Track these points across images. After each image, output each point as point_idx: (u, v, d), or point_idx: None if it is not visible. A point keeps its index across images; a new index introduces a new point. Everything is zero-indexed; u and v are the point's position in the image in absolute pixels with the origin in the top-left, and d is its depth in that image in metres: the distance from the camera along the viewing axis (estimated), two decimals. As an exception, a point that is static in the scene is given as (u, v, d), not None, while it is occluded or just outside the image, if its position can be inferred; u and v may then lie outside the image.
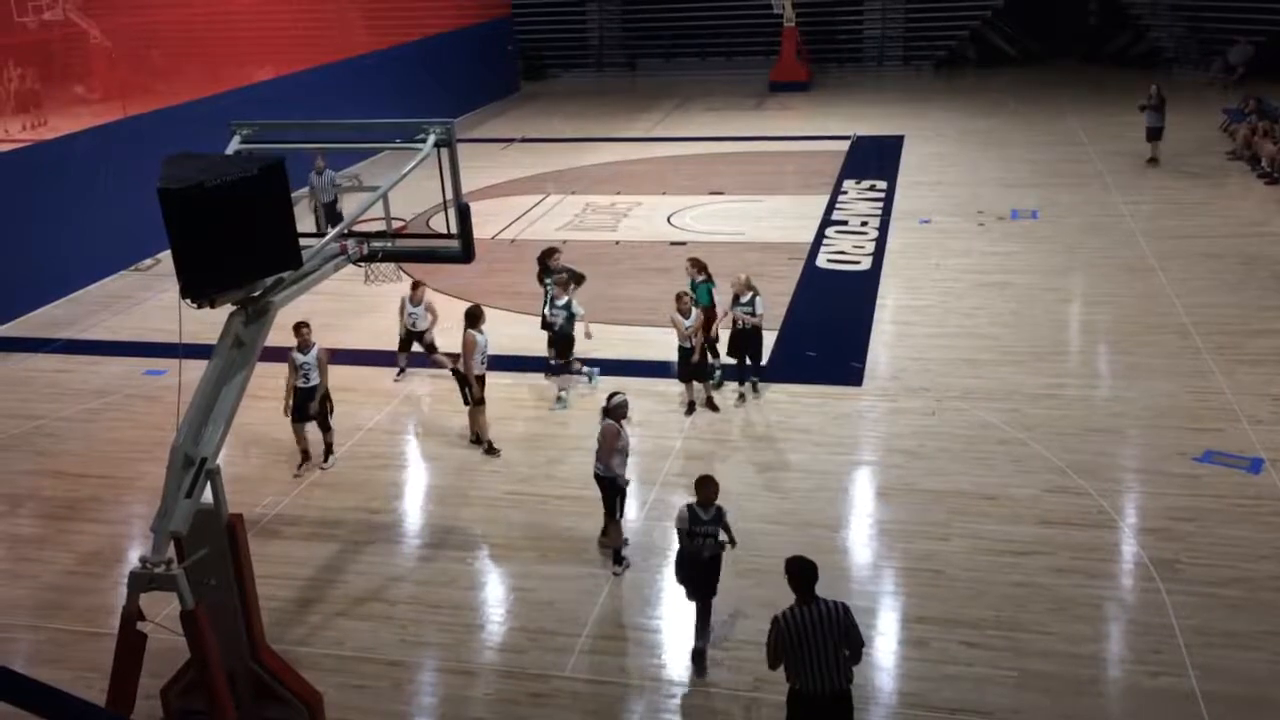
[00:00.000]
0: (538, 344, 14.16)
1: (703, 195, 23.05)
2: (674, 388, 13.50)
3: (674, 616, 9.39)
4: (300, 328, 11.85)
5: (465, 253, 9.10)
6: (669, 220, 21.27)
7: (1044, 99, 31.46)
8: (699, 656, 8.74)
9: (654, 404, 13.16)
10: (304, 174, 17.85)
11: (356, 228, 8.89)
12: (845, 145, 27.08)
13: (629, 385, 13.79)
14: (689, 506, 8.75)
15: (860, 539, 10.45)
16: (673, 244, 19.62)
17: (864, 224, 20.41)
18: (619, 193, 23.53)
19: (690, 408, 13.06)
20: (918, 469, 11.55)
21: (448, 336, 13.84)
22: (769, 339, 14.77)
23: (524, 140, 29.48)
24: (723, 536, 8.79)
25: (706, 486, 8.71)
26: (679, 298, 12.78)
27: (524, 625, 9.42)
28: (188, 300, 6.94)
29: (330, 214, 18.49)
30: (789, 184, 24.34)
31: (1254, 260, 17.24)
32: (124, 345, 16.07)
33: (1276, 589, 9.33)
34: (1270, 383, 13.05)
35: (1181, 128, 24.91)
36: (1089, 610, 9.21)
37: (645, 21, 40.94)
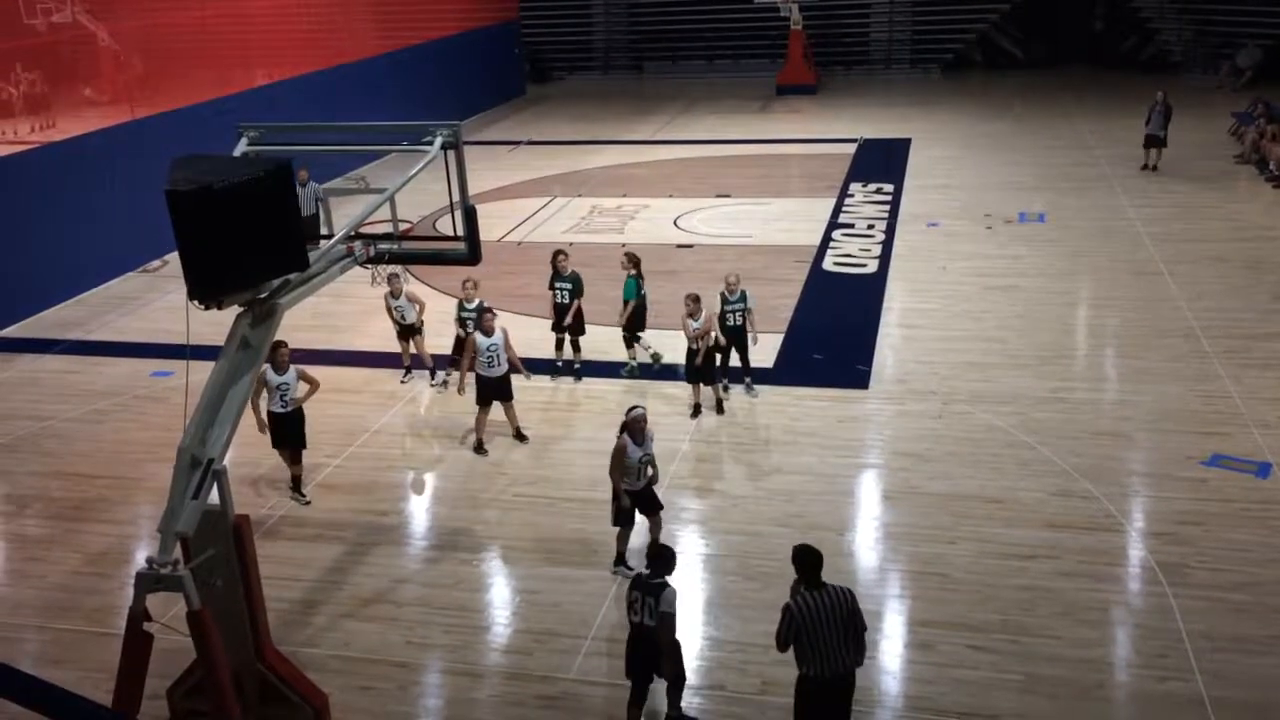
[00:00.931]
0: (544, 346, 14.19)
1: (709, 198, 23.05)
2: (681, 390, 13.51)
3: (679, 618, 9.38)
4: (279, 346, 10.90)
5: (472, 255, 9.10)
6: (675, 223, 21.27)
7: (1051, 102, 31.44)
8: None
9: (661, 406, 13.15)
10: (312, 176, 17.87)
11: (364, 229, 8.91)
12: (852, 148, 27.08)
13: (635, 387, 13.88)
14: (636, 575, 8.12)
15: (866, 542, 10.43)
16: (679, 246, 19.63)
17: (870, 227, 20.40)
18: (626, 195, 23.54)
19: (696, 410, 13.07)
20: (924, 472, 11.53)
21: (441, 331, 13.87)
22: (774, 341, 14.80)
23: (531, 143, 29.51)
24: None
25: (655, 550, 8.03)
26: (687, 300, 12.79)
27: (530, 627, 9.42)
28: (195, 302, 6.95)
29: (309, 227, 18.27)
30: (796, 187, 24.35)
31: (1262, 264, 17.20)
32: (131, 346, 16.11)
33: (1284, 593, 9.31)
34: (1278, 386, 13.01)
35: (1189, 131, 24.87)
36: (1096, 614, 9.18)
37: (652, 24, 40.98)
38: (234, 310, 7.39)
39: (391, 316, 13.94)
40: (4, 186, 17.17)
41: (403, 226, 9.72)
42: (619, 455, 9.64)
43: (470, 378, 12.34)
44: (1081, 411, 12.68)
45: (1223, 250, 17.94)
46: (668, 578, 7.77)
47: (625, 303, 13.92)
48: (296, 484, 11.58)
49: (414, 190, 8.81)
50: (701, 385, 13.10)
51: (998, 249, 18.76)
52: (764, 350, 13.99)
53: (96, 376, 15.15)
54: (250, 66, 24.81)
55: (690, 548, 10.30)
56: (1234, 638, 8.80)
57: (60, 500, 11.94)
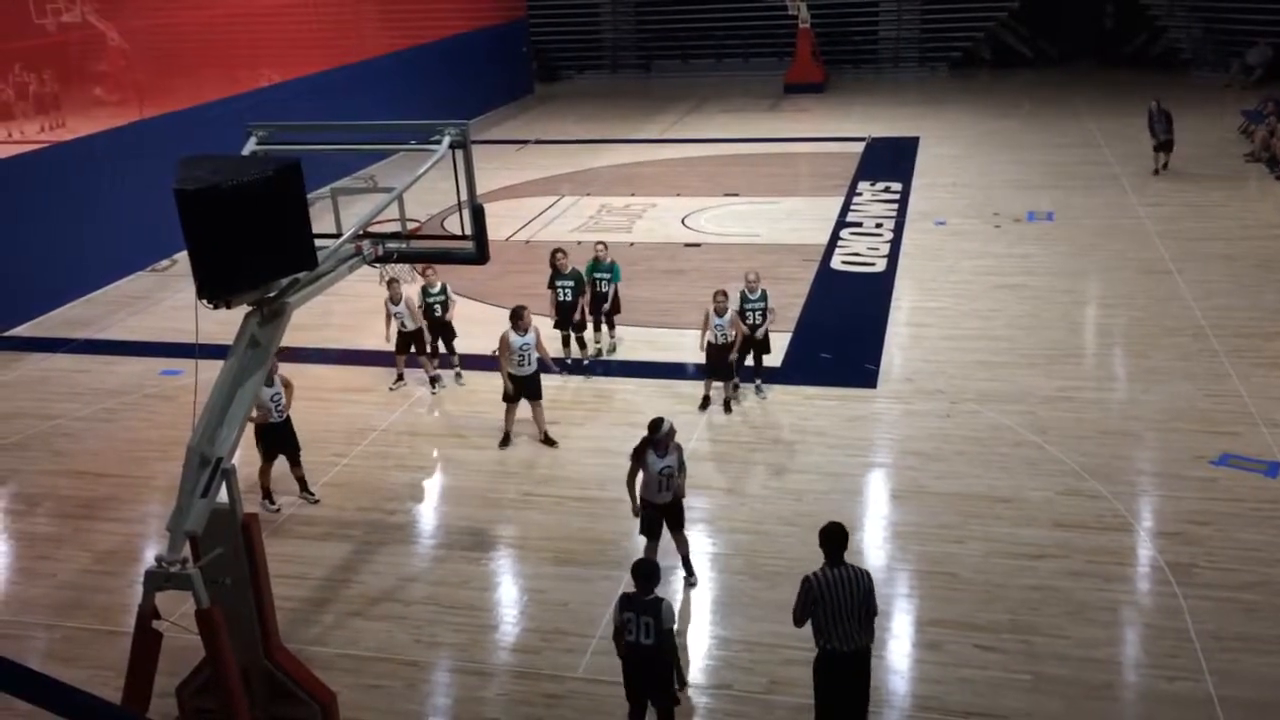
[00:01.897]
0: (551, 346, 14.19)
1: (718, 197, 23.04)
2: (690, 388, 13.51)
3: (686, 618, 9.39)
4: None
5: (480, 254, 9.11)
6: (684, 222, 21.27)
7: (1060, 100, 31.36)
8: None
9: (670, 405, 13.14)
10: (320, 175, 17.90)
11: (372, 228, 8.92)
12: (860, 147, 27.05)
13: (644, 386, 13.87)
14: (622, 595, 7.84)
15: (874, 541, 10.42)
16: (687, 245, 19.62)
17: (879, 226, 20.37)
18: (634, 194, 23.54)
19: (705, 402, 13.06)
20: (932, 471, 11.52)
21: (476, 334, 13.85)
22: (783, 340, 14.78)
23: (539, 142, 29.52)
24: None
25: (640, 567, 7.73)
26: (717, 295, 12.77)
27: (538, 626, 9.43)
28: (204, 301, 6.98)
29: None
30: (804, 186, 24.34)
31: (1272, 262, 17.13)
32: (141, 345, 16.16)
33: (1294, 593, 9.28)
34: (1288, 386, 12.98)
35: (1199, 130, 24.79)
36: (1104, 614, 9.16)
37: (660, 23, 40.97)
38: (243, 309, 7.41)
39: (389, 324, 13.79)
40: (14, 186, 17.23)
41: (411, 225, 9.72)
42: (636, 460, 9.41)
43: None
44: (1090, 410, 12.65)
45: (1232, 249, 17.88)
46: (656, 591, 7.58)
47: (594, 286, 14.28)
48: (303, 485, 11.58)
49: (422, 189, 8.82)
50: (714, 381, 13.09)
51: (1006, 247, 18.72)
52: (772, 349, 13.96)
53: (106, 375, 15.20)
54: (258, 66, 24.84)
55: (698, 546, 10.28)
56: (1243, 637, 8.77)
57: (70, 498, 11.98)
